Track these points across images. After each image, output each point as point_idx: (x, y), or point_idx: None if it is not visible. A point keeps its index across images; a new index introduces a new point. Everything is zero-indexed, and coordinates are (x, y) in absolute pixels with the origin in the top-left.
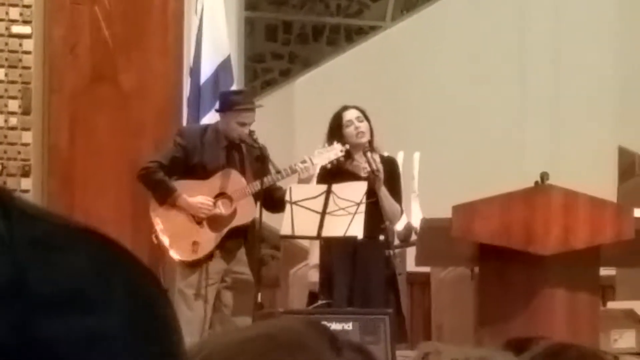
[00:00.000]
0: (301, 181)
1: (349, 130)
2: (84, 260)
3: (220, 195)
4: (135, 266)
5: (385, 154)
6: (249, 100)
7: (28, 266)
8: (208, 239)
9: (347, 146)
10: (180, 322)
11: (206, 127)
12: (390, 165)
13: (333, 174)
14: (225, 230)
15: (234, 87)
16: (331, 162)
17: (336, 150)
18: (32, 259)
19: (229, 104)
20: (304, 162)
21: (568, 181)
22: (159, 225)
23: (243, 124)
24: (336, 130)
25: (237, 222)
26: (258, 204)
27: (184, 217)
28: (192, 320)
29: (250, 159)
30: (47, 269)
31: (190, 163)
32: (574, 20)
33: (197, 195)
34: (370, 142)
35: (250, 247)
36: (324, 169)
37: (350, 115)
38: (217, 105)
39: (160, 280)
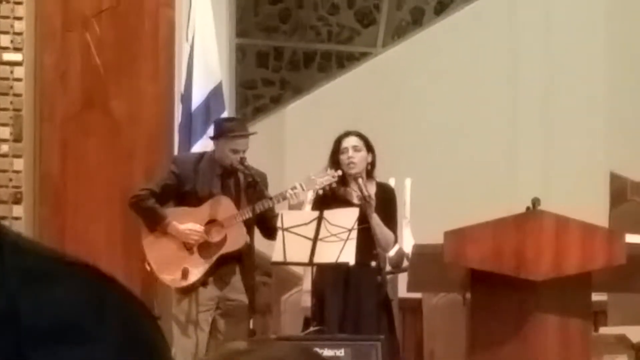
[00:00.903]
0: (291, 207)
1: (342, 158)
2: (76, 293)
3: (211, 222)
4: (127, 298)
5: (392, 181)
6: (242, 127)
7: (20, 299)
8: (198, 265)
9: (340, 172)
10: (173, 350)
11: (202, 155)
12: (385, 192)
13: (327, 200)
14: (215, 257)
15: (225, 114)
16: (324, 188)
17: (329, 177)
18: (24, 292)
19: (221, 130)
20: (294, 188)
21: (559, 207)
22: (149, 252)
23: (236, 151)
24: (333, 156)
25: (227, 248)
26: (252, 229)
27: (174, 244)
28: (186, 346)
29: (246, 186)
30: (39, 301)
31: (182, 190)
32: (565, 44)
33: (188, 222)
34: (369, 171)
35: (246, 272)
36: (318, 195)
37: (347, 142)
38: (211, 133)
39: (151, 310)
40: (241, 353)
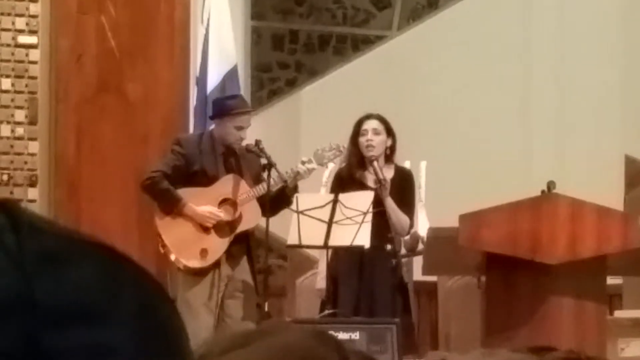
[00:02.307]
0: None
1: (362, 140)
2: (93, 274)
3: (225, 201)
4: (144, 279)
5: (408, 164)
6: (244, 103)
7: (36, 280)
8: (216, 245)
9: (345, 145)
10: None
11: (201, 135)
12: (403, 176)
13: (343, 183)
14: (233, 235)
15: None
16: (341, 171)
17: (335, 150)
18: (40, 273)
19: (225, 108)
20: (309, 162)
21: (574, 190)
22: (165, 234)
23: (240, 128)
24: (353, 137)
25: (243, 227)
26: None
27: (190, 225)
28: (197, 331)
29: (247, 164)
30: (55, 282)
31: (190, 171)
32: (579, 29)
33: (201, 202)
34: (389, 155)
35: (252, 253)
36: (335, 178)
37: (368, 125)
38: (210, 113)
39: (168, 292)
40: (254, 337)
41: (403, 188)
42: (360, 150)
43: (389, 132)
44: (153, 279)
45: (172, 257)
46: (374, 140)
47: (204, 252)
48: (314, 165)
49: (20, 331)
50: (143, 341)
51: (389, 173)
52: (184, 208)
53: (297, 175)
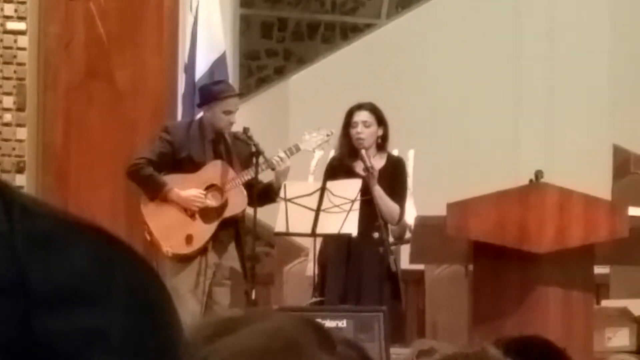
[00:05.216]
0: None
1: (353, 132)
2: (85, 257)
3: (211, 187)
4: (136, 262)
5: (396, 152)
6: (230, 87)
7: (29, 263)
8: (202, 231)
9: (332, 131)
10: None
11: (190, 122)
12: (394, 165)
13: (335, 170)
14: (218, 221)
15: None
16: (333, 159)
17: (322, 135)
18: (33, 256)
19: (212, 94)
20: (290, 150)
21: (562, 179)
22: (151, 220)
23: (229, 112)
24: (344, 127)
25: (229, 212)
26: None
27: (176, 211)
28: (183, 318)
29: (236, 150)
30: (48, 265)
31: (177, 157)
32: (568, 18)
33: (187, 188)
34: (380, 144)
35: (241, 239)
36: (328, 166)
37: (358, 117)
38: (197, 100)
39: (160, 275)
40: (239, 323)
41: (394, 176)
42: (351, 140)
43: (380, 121)
44: (145, 261)
45: (158, 243)
46: (363, 133)
47: (189, 238)
48: (288, 155)
49: (13, 314)
50: (135, 323)
51: (380, 161)
52: (168, 193)
53: (276, 165)
